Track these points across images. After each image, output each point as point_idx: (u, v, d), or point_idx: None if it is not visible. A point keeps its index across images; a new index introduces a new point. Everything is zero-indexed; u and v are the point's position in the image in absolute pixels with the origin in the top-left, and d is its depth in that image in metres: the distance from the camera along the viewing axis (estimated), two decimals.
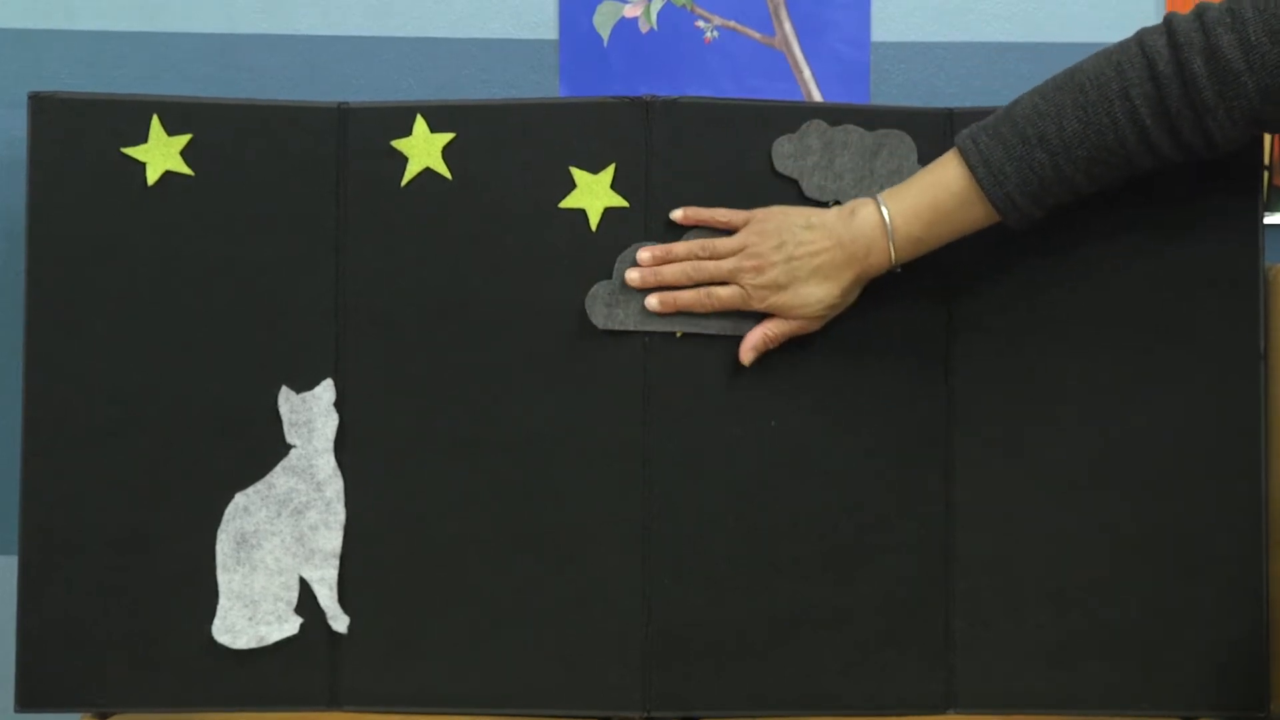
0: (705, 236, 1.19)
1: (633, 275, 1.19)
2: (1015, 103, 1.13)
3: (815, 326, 1.18)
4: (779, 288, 1.15)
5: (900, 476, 1.22)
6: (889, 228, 1.14)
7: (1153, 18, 1.38)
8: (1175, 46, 1.07)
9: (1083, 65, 1.12)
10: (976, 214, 1.14)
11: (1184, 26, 1.08)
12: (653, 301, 1.19)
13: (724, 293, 1.17)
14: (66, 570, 1.21)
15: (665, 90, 1.24)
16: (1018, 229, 1.15)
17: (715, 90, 1.38)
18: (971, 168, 1.12)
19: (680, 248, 1.19)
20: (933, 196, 1.14)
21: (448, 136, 1.22)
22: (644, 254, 1.19)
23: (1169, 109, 1.08)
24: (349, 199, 1.22)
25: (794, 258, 1.15)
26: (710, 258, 1.18)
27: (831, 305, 1.16)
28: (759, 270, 1.15)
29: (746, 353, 1.18)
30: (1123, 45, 1.11)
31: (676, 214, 1.20)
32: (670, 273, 1.18)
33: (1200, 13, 1.08)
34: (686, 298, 1.18)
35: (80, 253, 1.21)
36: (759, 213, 1.18)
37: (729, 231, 1.19)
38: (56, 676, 1.21)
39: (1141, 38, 1.10)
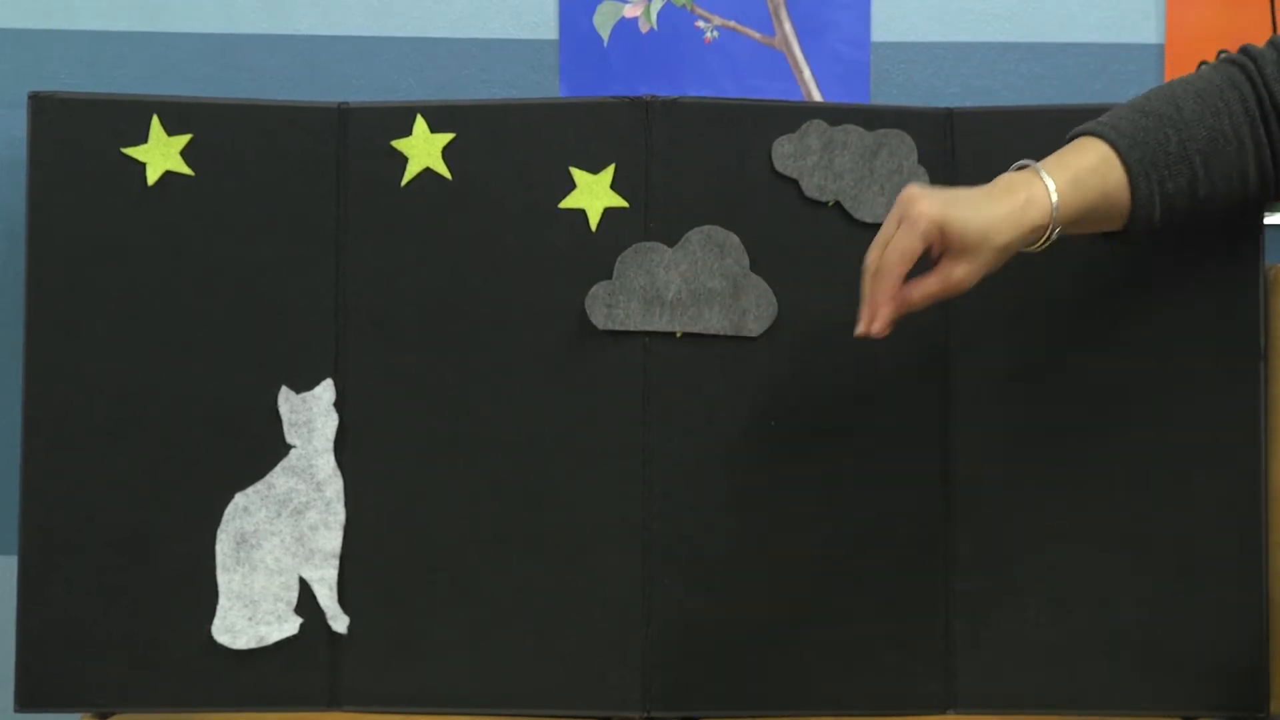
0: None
1: (876, 328, 1.06)
2: (1122, 104, 1.12)
3: (971, 275, 1.06)
4: (937, 200, 1.05)
5: (900, 476, 1.22)
6: (1044, 178, 1.06)
7: (1153, 18, 1.38)
8: (1252, 58, 1.10)
9: (1174, 80, 1.13)
10: (1114, 179, 1.08)
11: (1257, 51, 1.11)
12: (877, 327, 1.06)
13: (893, 253, 1.05)
14: (66, 570, 1.21)
15: (665, 90, 1.24)
16: (1136, 222, 1.09)
17: (715, 90, 1.38)
18: (1102, 135, 1.08)
19: (869, 271, 1.07)
20: (1075, 158, 1.08)
21: (448, 136, 1.22)
22: (867, 311, 1.07)
23: (1264, 107, 1.10)
24: (349, 199, 1.22)
25: (938, 189, 1.07)
26: (880, 256, 1.06)
27: (991, 228, 1.05)
28: (910, 202, 1.05)
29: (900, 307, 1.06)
30: (1205, 65, 1.13)
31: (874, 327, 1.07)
32: (879, 292, 1.07)
33: (1276, 42, 1.11)
34: (887, 308, 1.06)
35: (80, 253, 1.21)
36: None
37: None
38: (56, 676, 1.21)
39: (1219, 54, 1.13)
